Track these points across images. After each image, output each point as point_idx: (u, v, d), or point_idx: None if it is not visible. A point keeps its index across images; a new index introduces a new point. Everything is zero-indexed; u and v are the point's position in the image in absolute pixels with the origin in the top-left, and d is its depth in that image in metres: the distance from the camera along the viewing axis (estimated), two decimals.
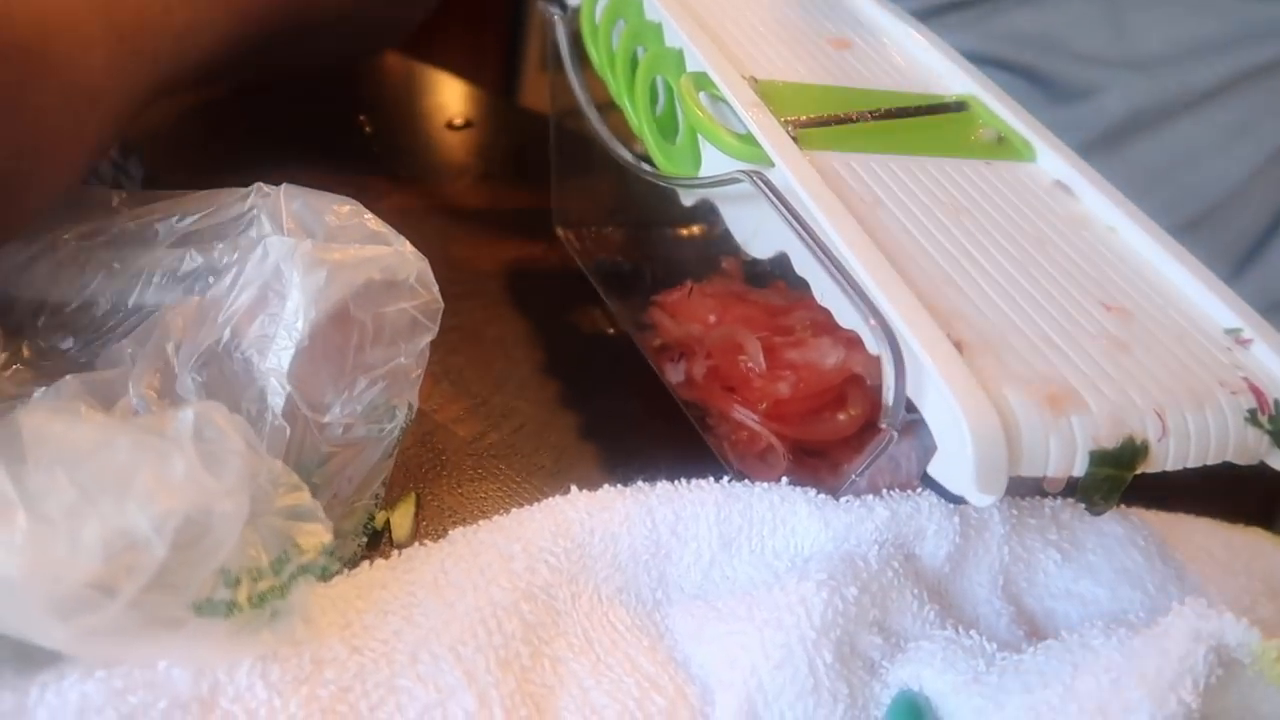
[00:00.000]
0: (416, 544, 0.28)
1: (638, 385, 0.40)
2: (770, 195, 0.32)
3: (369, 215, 0.30)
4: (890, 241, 0.31)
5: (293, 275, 0.27)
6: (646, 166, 0.39)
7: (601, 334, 0.44)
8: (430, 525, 0.32)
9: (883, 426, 0.27)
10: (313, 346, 0.27)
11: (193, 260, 0.33)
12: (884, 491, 0.30)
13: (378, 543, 0.31)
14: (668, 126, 0.40)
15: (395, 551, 0.27)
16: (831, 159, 0.34)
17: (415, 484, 0.33)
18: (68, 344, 0.33)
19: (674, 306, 0.40)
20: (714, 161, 0.37)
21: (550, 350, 0.43)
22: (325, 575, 0.25)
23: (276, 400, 0.27)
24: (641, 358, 0.41)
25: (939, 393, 0.26)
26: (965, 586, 0.30)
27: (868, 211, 0.32)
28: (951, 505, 0.30)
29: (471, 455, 0.36)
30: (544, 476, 0.36)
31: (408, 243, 0.29)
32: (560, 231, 0.49)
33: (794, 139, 0.35)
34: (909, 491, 0.30)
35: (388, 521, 0.31)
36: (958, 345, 0.27)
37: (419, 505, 0.32)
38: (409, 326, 0.29)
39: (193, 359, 0.28)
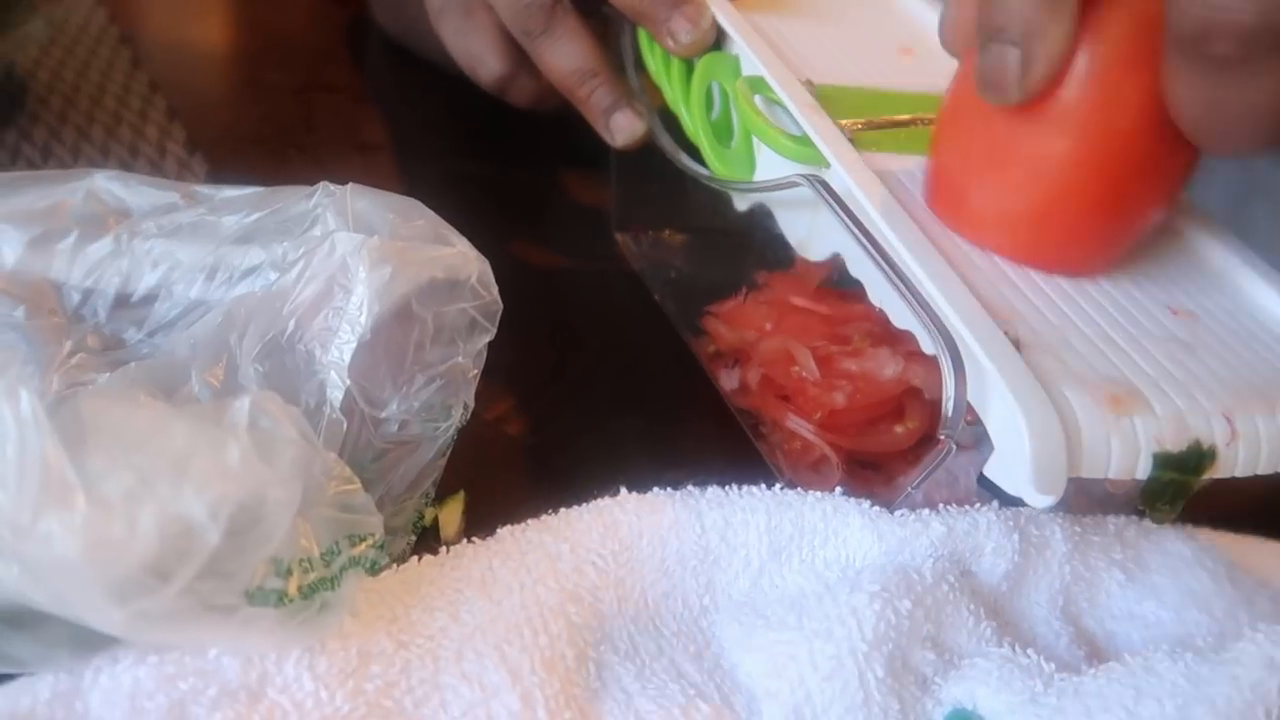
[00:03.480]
0: (464, 541, 0.27)
1: (691, 390, 0.40)
2: (826, 196, 0.32)
3: (431, 215, 0.30)
4: (947, 242, 0.31)
5: (359, 270, 0.27)
6: (702, 170, 0.39)
7: (656, 338, 0.44)
8: (478, 524, 0.32)
9: (941, 437, 0.27)
10: (374, 342, 0.28)
11: (256, 256, 0.33)
12: (940, 506, 0.29)
13: (425, 540, 0.31)
14: (723, 132, 0.39)
15: (443, 549, 0.27)
16: (889, 161, 0.34)
17: (464, 482, 0.33)
18: (132, 335, 0.34)
19: (728, 314, 0.40)
20: (769, 165, 0.37)
21: (604, 353, 0.43)
22: (375, 569, 0.25)
23: (335, 394, 0.27)
24: (696, 363, 0.41)
25: (996, 390, 0.26)
26: (1023, 605, 0.30)
27: (924, 212, 0.32)
28: (1011, 523, 0.29)
29: (521, 454, 0.36)
30: (593, 477, 0.35)
31: (469, 243, 0.29)
32: (619, 235, 0.49)
33: (850, 141, 0.34)
34: (967, 507, 0.30)
35: (436, 519, 0.31)
36: (1016, 344, 0.27)
37: (467, 503, 0.32)
38: (468, 326, 0.29)
39: (256, 349, 0.28)
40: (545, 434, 0.37)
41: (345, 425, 0.28)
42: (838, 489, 0.30)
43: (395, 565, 0.27)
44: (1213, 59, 0.24)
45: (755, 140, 0.37)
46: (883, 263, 0.29)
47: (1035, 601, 0.30)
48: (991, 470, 0.26)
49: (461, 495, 0.32)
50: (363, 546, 0.24)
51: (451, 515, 0.31)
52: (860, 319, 0.37)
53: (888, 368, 0.35)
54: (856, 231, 0.30)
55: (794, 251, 0.36)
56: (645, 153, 0.44)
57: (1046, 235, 0.30)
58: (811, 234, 0.35)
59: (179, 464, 0.20)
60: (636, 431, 0.38)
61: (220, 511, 0.20)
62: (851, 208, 0.31)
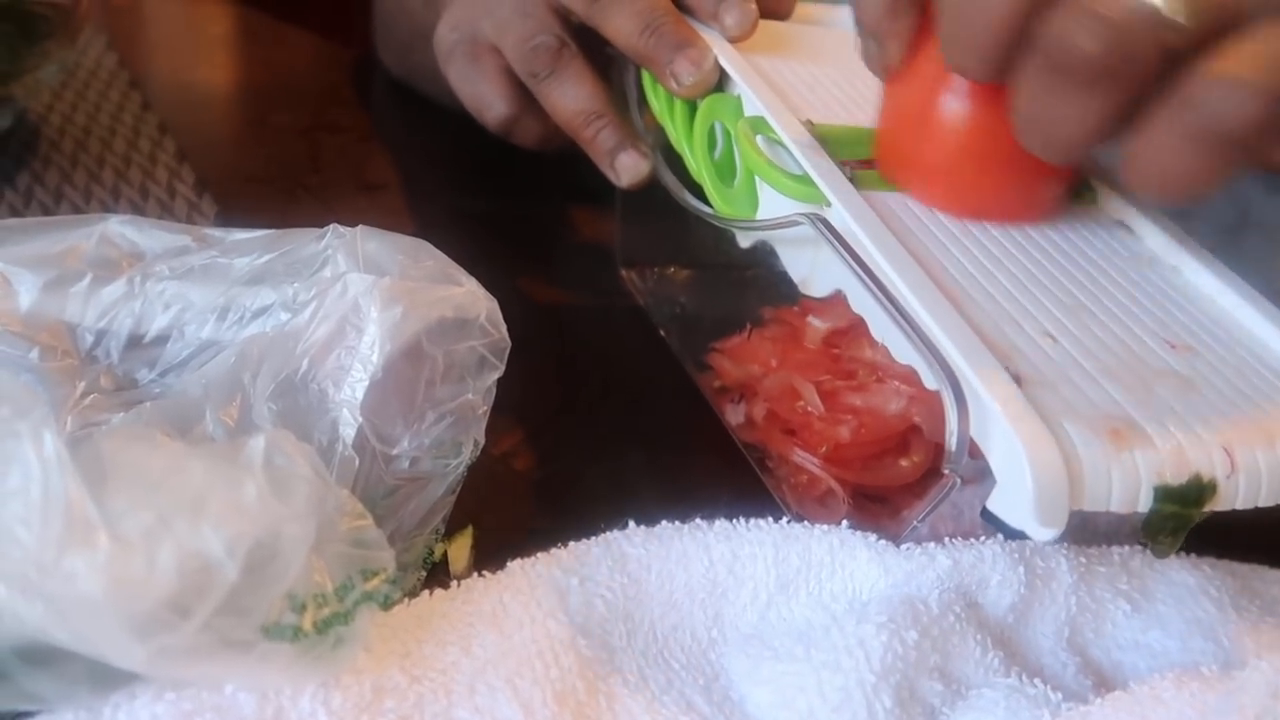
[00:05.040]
0: (474, 575, 0.28)
1: (697, 424, 0.41)
2: (827, 234, 0.32)
3: (440, 255, 0.31)
4: (947, 278, 0.31)
5: (370, 310, 0.28)
6: (706, 209, 0.40)
7: (661, 372, 0.44)
8: (487, 558, 0.32)
9: (945, 471, 0.27)
10: (385, 380, 0.28)
11: (267, 296, 0.34)
12: (946, 540, 0.30)
13: (436, 575, 0.31)
14: (725, 171, 0.40)
15: (454, 583, 0.28)
16: (888, 199, 0.34)
17: (472, 516, 0.33)
18: (144, 375, 0.34)
19: (733, 350, 0.40)
20: (771, 203, 0.37)
21: (609, 387, 0.44)
22: (387, 604, 0.25)
23: (348, 431, 0.28)
24: (701, 398, 0.42)
25: (997, 425, 0.26)
26: (1030, 636, 0.30)
27: (924, 250, 0.32)
28: (1016, 555, 0.29)
29: (528, 488, 0.36)
30: (600, 511, 0.36)
31: (477, 282, 0.30)
32: (624, 271, 0.49)
33: (851, 179, 0.35)
34: (972, 540, 0.30)
35: (445, 554, 0.32)
36: (1017, 379, 0.27)
37: (476, 538, 0.32)
38: (477, 364, 0.30)
39: (269, 388, 0.28)
40: (552, 468, 0.37)
41: (357, 462, 0.28)
42: (844, 522, 0.30)
43: (407, 600, 0.27)
44: (1059, 72, 0.27)
45: (758, 179, 0.38)
46: (884, 299, 0.30)
47: (1041, 632, 0.30)
48: (995, 504, 0.26)
49: (470, 530, 0.33)
50: (376, 581, 0.24)
51: (460, 550, 0.32)
52: (863, 354, 0.37)
53: (892, 403, 0.36)
54: (857, 269, 0.31)
55: (797, 288, 0.37)
56: (650, 190, 0.44)
57: (956, 182, 0.34)
58: (814, 271, 0.35)
59: (197, 502, 0.21)
60: (643, 465, 0.39)
61: (238, 548, 0.21)
62: (852, 245, 0.32)
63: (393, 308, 0.28)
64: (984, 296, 0.31)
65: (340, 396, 0.28)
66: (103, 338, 0.34)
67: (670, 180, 0.42)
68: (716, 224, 0.39)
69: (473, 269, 0.31)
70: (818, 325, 0.37)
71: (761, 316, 0.42)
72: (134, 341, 0.34)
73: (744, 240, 0.40)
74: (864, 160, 0.36)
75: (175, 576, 0.20)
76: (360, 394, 0.28)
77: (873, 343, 0.34)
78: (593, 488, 0.37)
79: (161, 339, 0.34)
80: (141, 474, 0.21)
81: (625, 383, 0.44)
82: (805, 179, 0.35)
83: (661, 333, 0.46)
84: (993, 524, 0.27)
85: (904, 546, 0.29)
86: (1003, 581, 0.29)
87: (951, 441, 0.26)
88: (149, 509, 0.20)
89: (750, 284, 0.44)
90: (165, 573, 0.20)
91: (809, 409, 0.36)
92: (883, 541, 0.29)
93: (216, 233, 0.35)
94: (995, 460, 0.26)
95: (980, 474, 0.27)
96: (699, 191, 0.41)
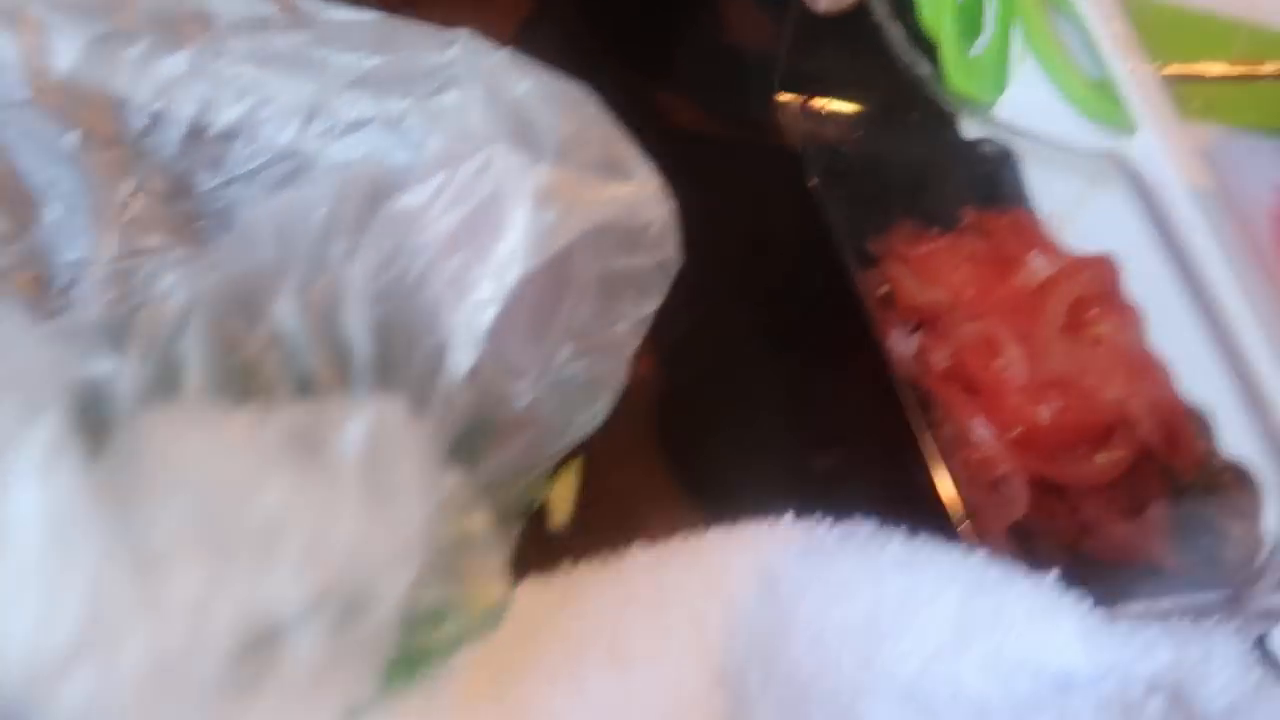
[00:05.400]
0: (585, 567, 0.22)
1: (846, 336, 0.33)
2: (1140, 184, 0.24)
3: (605, 119, 0.22)
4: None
5: (518, 210, 0.20)
6: (929, 70, 0.30)
7: (807, 244, 0.36)
8: (594, 506, 0.26)
9: (1239, 590, 0.21)
10: (517, 299, 0.21)
11: (366, 107, 0.26)
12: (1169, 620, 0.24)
13: (529, 522, 0.25)
14: (970, 22, 0.30)
15: (561, 567, 0.22)
16: (1228, 140, 0.25)
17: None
18: (204, 180, 0.27)
19: (918, 259, 0.32)
20: (1027, 89, 0.28)
21: (745, 264, 0.35)
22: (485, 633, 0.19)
23: (462, 361, 0.21)
24: (853, 296, 0.34)
25: None
26: None
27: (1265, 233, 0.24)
28: (1251, 656, 0.24)
29: (643, 405, 0.30)
30: (726, 451, 0.30)
31: (651, 172, 0.22)
32: (783, 96, 0.39)
33: (1175, 100, 0.25)
34: (1201, 623, 0.24)
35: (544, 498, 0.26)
36: None
37: (584, 475, 0.26)
38: (637, 287, 0.22)
39: (369, 278, 0.21)
40: (674, 381, 0.30)
41: (466, 395, 0.22)
42: (1053, 574, 0.24)
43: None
44: None
45: (1015, 49, 0.28)
46: (1208, 306, 0.22)
47: None
48: None
49: (577, 465, 0.27)
50: (475, 612, 0.19)
51: (563, 492, 0.26)
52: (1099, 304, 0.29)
53: (1112, 385, 0.28)
54: (1177, 245, 0.23)
55: (1018, 191, 0.28)
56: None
57: None
58: (1080, 212, 0.27)
59: (268, 538, 0.15)
60: (776, 384, 0.32)
61: (319, 614, 0.15)
62: (1165, 201, 0.23)
63: (547, 209, 0.20)
64: None
65: (459, 317, 0.21)
66: (158, 123, 0.26)
67: (891, 26, 0.32)
68: (943, 104, 0.30)
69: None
70: (1039, 267, 0.29)
71: (958, 217, 0.33)
72: (195, 133, 0.27)
73: (972, 128, 0.31)
74: (1197, 69, 0.26)
75: (228, 653, 0.14)
76: (487, 319, 0.21)
77: (1130, 335, 0.26)
78: (716, 412, 0.30)
79: (229, 135, 0.27)
80: (197, 487, 0.14)
81: (761, 252, 0.35)
82: (1106, 87, 0.26)
83: (811, 187, 0.37)
84: (1270, 663, 0.21)
85: (1120, 625, 0.23)
86: (1226, 687, 0.24)
87: (1268, 559, 0.20)
88: (200, 547, 0.14)
89: (954, 164, 0.35)
90: (215, 648, 0.14)
91: (1008, 374, 0.29)
92: (1096, 613, 0.23)
93: (309, 5, 0.27)
94: None
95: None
96: (924, 42, 0.31)
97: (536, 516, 0.25)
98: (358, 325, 0.21)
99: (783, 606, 0.22)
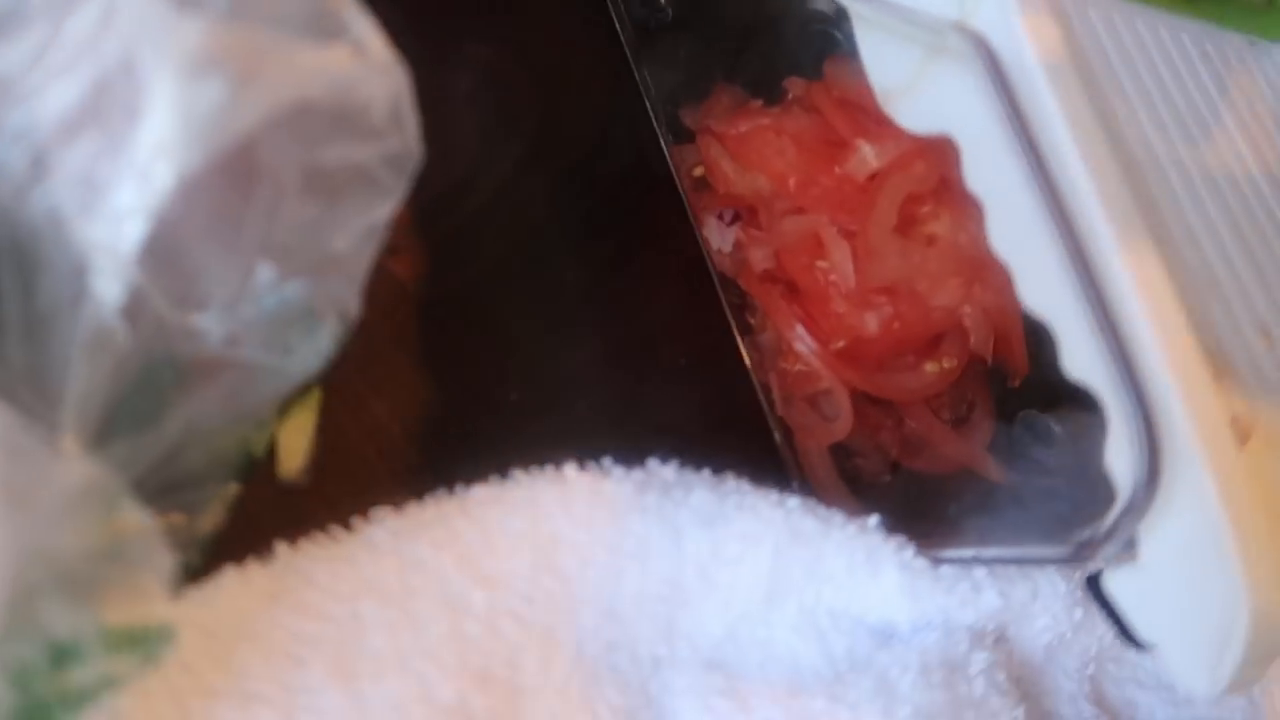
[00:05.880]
0: (307, 546, 0.17)
1: (656, 219, 0.29)
2: (986, 63, 0.20)
3: None
4: (1143, 182, 0.20)
5: (160, 79, 0.14)
6: None
7: (614, 116, 0.31)
8: (335, 451, 0.21)
9: (1074, 568, 0.18)
10: (185, 205, 0.15)
11: None
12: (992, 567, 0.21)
13: (249, 474, 0.20)
14: None
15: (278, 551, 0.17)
16: (1084, 6, 0.21)
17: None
18: None
19: (737, 139, 0.28)
20: None
21: (535, 127, 0.29)
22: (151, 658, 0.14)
23: (109, 289, 0.15)
24: (667, 176, 0.29)
25: (1194, 509, 0.17)
26: (1053, 675, 0.23)
27: (1115, 113, 0.20)
28: (1078, 594, 0.22)
29: (404, 329, 0.24)
30: (501, 364, 0.25)
31: (379, 35, 0.16)
32: None
33: None
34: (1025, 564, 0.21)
35: (274, 440, 0.21)
36: (1237, 426, 0.17)
37: (321, 413, 0.21)
38: (361, 187, 0.17)
39: None
40: (442, 287, 0.25)
41: (122, 338, 0.16)
42: (874, 519, 0.21)
43: (200, 553, 0.17)
44: None
45: None
46: (1053, 208, 0.18)
47: (1064, 670, 0.23)
48: (1145, 623, 0.18)
49: (314, 395, 0.21)
50: (126, 642, 0.14)
51: (296, 436, 0.21)
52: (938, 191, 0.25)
53: (944, 291, 0.25)
54: (1018, 135, 0.19)
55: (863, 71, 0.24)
56: None
57: None
58: (913, 89, 0.23)
59: None
60: (570, 286, 0.27)
61: None
62: (1012, 80, 0.20)
63: (205, 80, 0.14)
64: (1212, 242, 0.19)
65: (93, 233, 0.15)
66: None
67: None
68: None
69: None
70: (869, 157, 0.25)
71: (783, 89, 0.29)
72: None
73: None
74: None
75: None
76: (135, 235, 0.15)
77: (968, 233, 0.23)
78: (487, 321, 0.26)
79: None
80: None
81: (564, 119, 0.30)
82: None
83: (621, 34, 0.31)
84: (1098, 601, 0.18)
85: (944, 570, 0.21)
86: (1050, 625, 0.22)
87: (1115, 517, 0.17)
88: None
89: (783, 22, 0.30)
90: None
91: (833, 277, 0.25)
92: (919, 562, 0.20)
93: None
94: (1163, 558, 0.17)
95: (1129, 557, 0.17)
96: None
97: (263, 474, 0.20)
98: None
99: (563, 575, 0.18)
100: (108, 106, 0.14)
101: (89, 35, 0.14)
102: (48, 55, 0.14)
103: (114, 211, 0.15)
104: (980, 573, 0.21)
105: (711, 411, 0.26)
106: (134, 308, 0.16)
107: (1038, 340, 0.21)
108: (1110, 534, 0.17)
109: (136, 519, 0.14)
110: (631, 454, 0.22)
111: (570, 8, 0.31)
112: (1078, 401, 0.19)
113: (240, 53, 0.15)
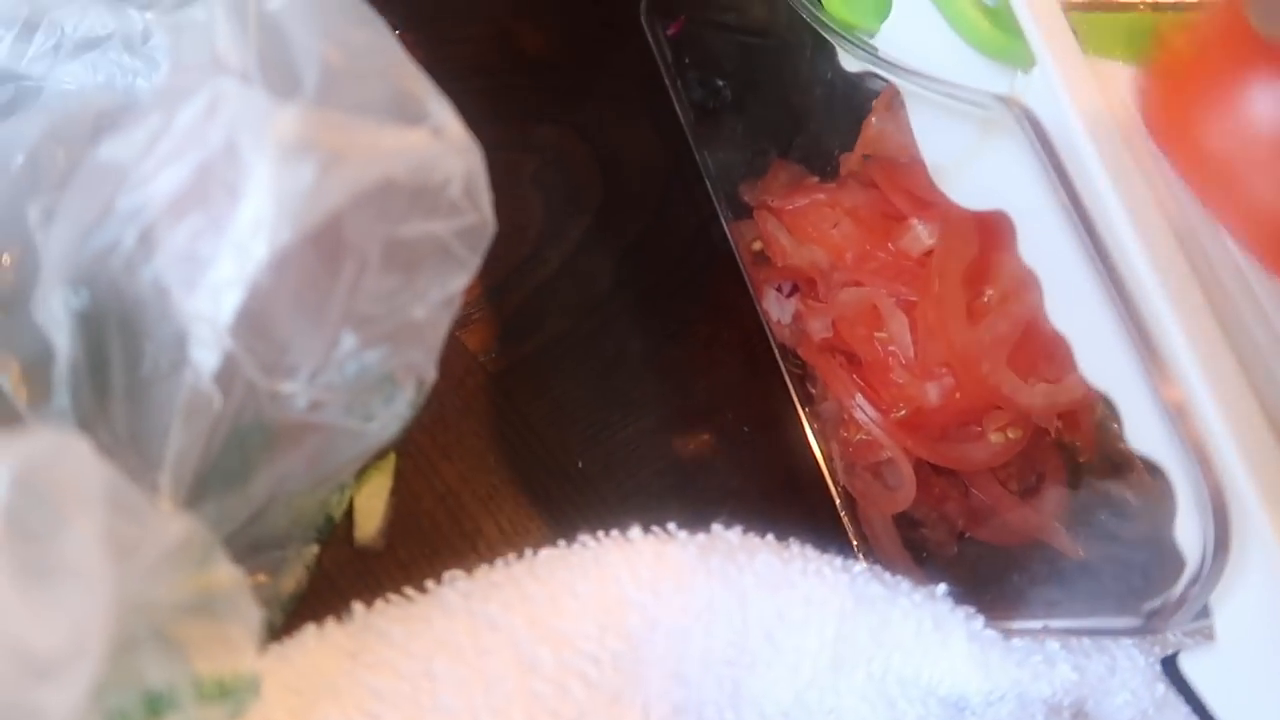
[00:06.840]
0: (383, 606, 0.18)
1: (719, 291, 0.29)
2: (1034, 140, 0.20)
3: (399, 52, 0.18)
4: (1199, 250, 0.20)
5: (258, 163, 0.15)
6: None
7: (675, 194, 0.32)
8: (406, 514, 0.22)
9: (1148, 616, 0.18)
10: (277, 278, 0.16)
11: (102, 21, 0.20)
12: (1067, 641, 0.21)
13: (328, 535, 0.21)
14: None
15: (354, 610, 0.18)
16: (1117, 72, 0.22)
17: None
18: None
19: (793, 214, 0.28)
20: (911, 17, 0.24)
21: (606, 202, 0.31)
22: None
23: (206, 357, 0.16)
24: (728, 250, 0.30)
25: (1272, 593, 0.16)
26: None
27: (1167, 183, 0.21)
28: (1156, 670, 0.21)
29: (475, 398, 0.25)
30: (571, 426, 0.25)
31: (455, 119, 0.17)
32: (646, 20, 0.34)
33: (1074, 32, 0.22)
34: (1102, 636, 0.21)
35: (351, 503, 0.21)
36: None
37: (396, 476, 0.22)
38: (438, 260, 0.18)
39: (71, 254, 0.16)
40: (510, 358, 0.26)
41: (218, 403, 0.17)
42: (941, 589, 0.21)
43: (282, 612, 0.17)
44: None
45: None
46: (1110, 287, 0.19)
47: None
48: (1199, 672, 0.17)
49: (390, 461, 0.22)
50: (216, 689, 0.14)
51: (372, 500, 0.21)
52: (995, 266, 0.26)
53: (1007, 378, 0.25)
54: (1076, 219, 0.19)
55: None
56: None
57: None
58: (967, 165, 0.23)
59: None
60: (635, 356, 0.28)
61: None
62: (1060, 153, 0.20)
63: (299, 164, 0.16)
64: (1273, 305, 0.19)
65: (194, 305, 0.16)
66: None
67: None
68: (817, 27, 0.26)
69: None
70: (922, 235, 0.26)
71: (837, 163, 0.29)
72: None
73: (851, 62, 0.27)
74: None
75: None
76: (229, 306, 0.16)
77: (1027, 303, 0.23)
78: (554, 401, 0.26)
79: None
80: None
81: (621, 197, 0.31)
82: (1002, 16, 0.22)
83: (682, 119, 0.32)
84: (1176, 685, 0.18)
85: (1015, 643, 0.20)
86: (1130, 701, 0.21)
87: (1182, 589, 0.17)
88: None
89: (835, 102, 0.31)
90: None
91: (892, 348, 0.26)
92: (989, 633, 0.20)
93: None
94: (1232, 630, 0.17)
95: (1202, 636, 0.17)
96: None
97: (340, 536, 0.21)
98: (55, 311, 0.16)
99: (631, 639, 0.19)
100: (211, 188, 0.15)
101: (196, 124, 0.15)
102: (159, 143, 0.15)
103: (213, 284, 0.16)
104: (1054, 645, 0.20)
105: (774, 479, 0.27)
106: (227, 375, 0.17)
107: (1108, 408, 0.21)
108: (1180, 603, 0.16)
109: (228, 573, 0.15)
110: (695, 519, 0.22)
111: (632, 92, 0.33)
112: (1150, 469, 0.19)
113: (329, 136, 0.16)
